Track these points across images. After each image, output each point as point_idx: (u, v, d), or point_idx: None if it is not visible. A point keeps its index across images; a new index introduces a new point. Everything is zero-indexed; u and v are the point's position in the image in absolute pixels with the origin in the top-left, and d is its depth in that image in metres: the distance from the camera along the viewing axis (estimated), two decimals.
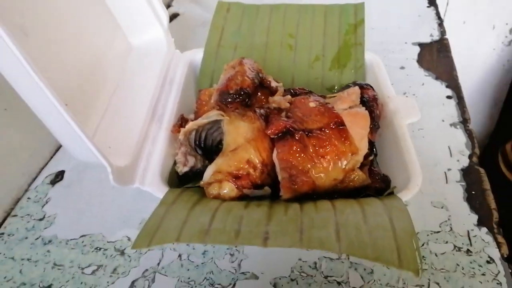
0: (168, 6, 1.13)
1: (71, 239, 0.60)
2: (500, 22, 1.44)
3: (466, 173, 0.65)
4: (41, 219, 0.63)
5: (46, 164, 0.72)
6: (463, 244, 0.56)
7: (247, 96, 0.59)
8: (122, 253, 0.58)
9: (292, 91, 0.64)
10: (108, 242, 0.59)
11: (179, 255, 0.57)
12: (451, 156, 0.67)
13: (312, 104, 0.56)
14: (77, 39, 0.66)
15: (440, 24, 0.96)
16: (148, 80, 0.71)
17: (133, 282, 0.55)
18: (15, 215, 0.64)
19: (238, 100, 0.58)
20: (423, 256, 0.55)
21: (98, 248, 0.58)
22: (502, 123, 1.62)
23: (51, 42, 0.60)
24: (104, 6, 0.74)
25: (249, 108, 0.60)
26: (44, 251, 0.59)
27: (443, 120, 0.73)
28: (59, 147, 0.74)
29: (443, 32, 0.93)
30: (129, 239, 0.59)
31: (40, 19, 0.59)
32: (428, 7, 1.02)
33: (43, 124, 0.55)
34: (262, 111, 0.60)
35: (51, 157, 0.73)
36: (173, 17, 1.08)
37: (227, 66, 0.63)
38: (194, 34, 1.00)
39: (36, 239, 0.60)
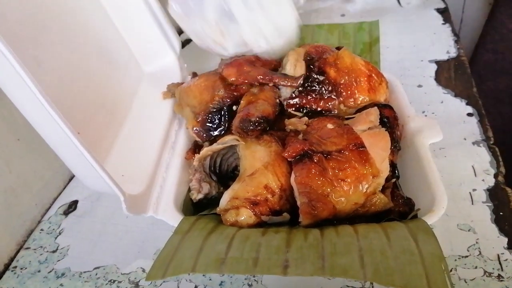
0: (180, 32, 1.13)
1: (85, 272, 0.58)
2: None
3: (493, 193, 0.62)
4: (54, 251, 0.61)
5: (60, 194, 0.71)
6: (493, 269, 0.53)
7: (268, 124, 0.58)
8: (137, 285, 0.56)
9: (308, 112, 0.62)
10: (122, 274, 0.57)
11: (195, 287, 0.55)
12: (475, 175, 0.65)
13: (330, 126, 0.55)
14: (90, 67, 0.65)
15: (457, 41, 0.94)
16: (161, 106, 0.70)
17: None
18: (28, 248, 0.62)
19: (260, 127, 0.57)
20: (452, 283, 0.52)
21: (112, 281, 0.57)
22: None
23: (64, 71, 0.60)
24: (118, 34, 0.74)
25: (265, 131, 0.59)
26: (57, 284, 0.57)
27: (465, 139, 0.71)
28: (73, 176, 0.74)
29: (459, 49, 0.91)
30: (143, 270, 0.57)
31: (53, 49, 0.59)
32: (443, 24, 1.00)
33: (56, 154, 0.54)
34: (278, 133, 0.59)
35: (65, 187, 0.72)
36: (185, 43, 1.08)
37: (248, 92, 0.63)
38: (207, 58, 0.99)
39: (49, 272, 0.59)
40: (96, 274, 0.58)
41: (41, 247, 0.62)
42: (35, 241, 0.63)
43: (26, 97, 0.46)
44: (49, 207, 0.69)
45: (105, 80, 0.68)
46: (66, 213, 0.67)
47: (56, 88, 0.57)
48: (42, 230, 0.65)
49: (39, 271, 0.59)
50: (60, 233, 0.64)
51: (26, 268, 0.59)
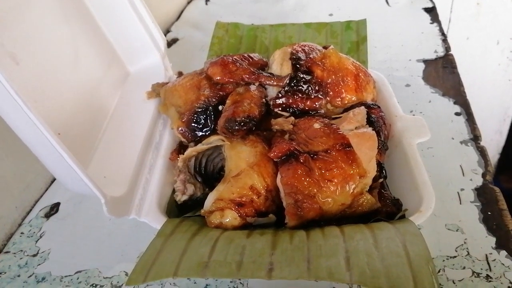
0: (167, 31, 1.12)
1: (66, 276, 0.56)
2: (504, 37, 1.42)
3: (481, 192, 0.62)
4: (34, 255, 0.60)
5: (41, 196, 0.69)
6: (481, 269, 0.53)
7: (254, 124, 0.57)
8: None
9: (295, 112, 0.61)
10: (104, 278, 0.56)
11: None
12: (463, 175, 0.64)
13: (316, 125, 0.54)
14: (72, 67, 0.64)
15: (444, 40, 0.94)
16: (145, 106, 0.69)
17: None
18: (7, 252, 0.61)
19: (245, 127, 0.56)
20: (440, 284, 0.52)
21: (94, 285, 0.55)
22: None
23: (45, 70, 0.58)
24: (101, 33, 0.73)
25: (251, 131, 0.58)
26: None
27: (452, 138, 0.70)
28: (55, 178, 0.72)
29: (447, 48, 0.91)
30: (126, 274, 0.56)
31: (33, 47, 0.57)
32: (431, 23, 1.00)
33: (35, 155, 0.53)
34: (264, 133, 0.58)
35: (46, 189, 0.70)
36: (172, 42, 1.07)
37: (233, 92, 0.61)
38: (193, 58, 0.98)
39: (29, 277, 0.57)
40: (78, 279, 0.56)
41: (21, 251, 0.61)
42: (15, 245, 0.61)
43: (2, 96, 0.44)
44: (30, 210, 0.67)
45: (87, 79, 0.67)
46: (48, 215, 0.65)
47: (35, 88, 0.55)
48: (22, 233, 0.63)
49: (18, 276, 0.57)
50: (41, 237, 0.62)
51: (5, 273, 0.58)
